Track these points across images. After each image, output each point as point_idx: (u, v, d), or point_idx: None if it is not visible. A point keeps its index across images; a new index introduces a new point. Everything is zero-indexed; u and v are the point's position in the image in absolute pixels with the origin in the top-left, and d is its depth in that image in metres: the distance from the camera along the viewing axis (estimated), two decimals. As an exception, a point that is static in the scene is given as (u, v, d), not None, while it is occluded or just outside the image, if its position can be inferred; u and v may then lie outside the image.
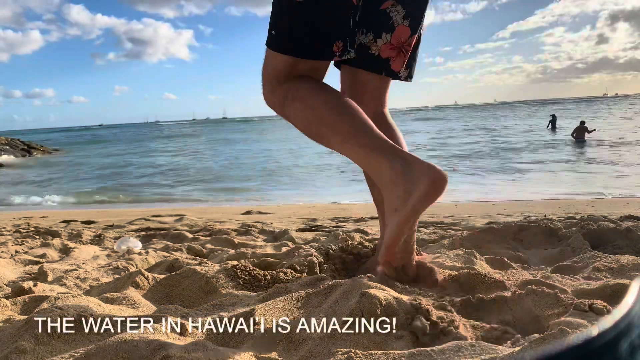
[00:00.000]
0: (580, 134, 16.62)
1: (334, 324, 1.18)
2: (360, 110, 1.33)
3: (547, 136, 19.96)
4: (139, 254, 2.73)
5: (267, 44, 1.41)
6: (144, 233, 3.78)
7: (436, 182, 1.17)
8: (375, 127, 1.29)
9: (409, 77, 1.66)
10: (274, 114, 1.50)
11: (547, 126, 23.11)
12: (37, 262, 2.70)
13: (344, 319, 1.18)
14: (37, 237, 3.62)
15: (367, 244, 2.11)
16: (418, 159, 1.22)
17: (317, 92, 1.36)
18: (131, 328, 1.22)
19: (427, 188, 1.17)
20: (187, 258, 2.57)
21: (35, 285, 1.89)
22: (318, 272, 1.84)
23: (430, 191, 1.17)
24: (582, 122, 17.18)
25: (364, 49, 1.51)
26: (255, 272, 1.75)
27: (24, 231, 4.16)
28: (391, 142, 1.27)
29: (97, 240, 3.54)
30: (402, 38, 1.50)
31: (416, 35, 1.53)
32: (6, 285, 2.11)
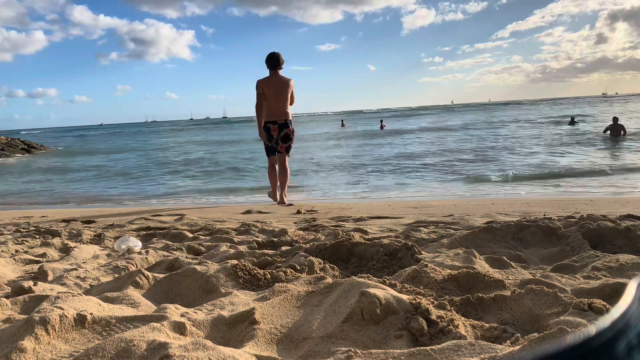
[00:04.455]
0: (615, 132, 14.62)
1: (333, 323, 1.19)
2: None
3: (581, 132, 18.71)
4: (139, 253, 2.73)
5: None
6: (144, 232, 3.78)
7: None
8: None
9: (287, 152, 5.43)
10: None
11: (569, 123, 23.57)
12: (37, 262, 2.70)
13: (344, 318, 1.19)
14: (38, 236, 3.62)
15: (361, 239, 2.12)
16: None
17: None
18: (131, 327, 1.22)
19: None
20: (187, 257, 2.57)
21: (35, 284, 1.89)
22: (318, 271, 1.84)
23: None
24: (615, 119, 15.08)
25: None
26: (255, 271, 1.75)
27: (24, 230, 4.16)
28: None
29: (97, 239, 3.54)
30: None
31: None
32: (6, 285, 2.11)
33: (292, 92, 5.26)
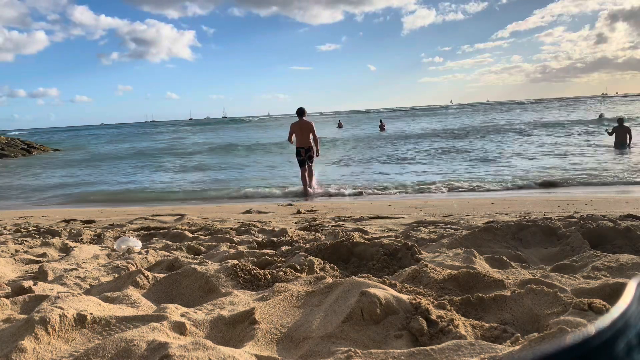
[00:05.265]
0: (621, 135, 12.78)
1: (333, 323, 1.19)
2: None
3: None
4: (139, 253, 2.73)
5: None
6: (144, 232, 3.78)
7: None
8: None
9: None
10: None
11: (599, 117, 24.47)
12: (37, 262, 2.71)
13: (344, 318, 1.19)
14: (38, 236, 3.62)
15: (362, 240, 2.12)
16: None
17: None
18: (131, 327, 1.22)
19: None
20: (187, 257, 2.58)
21: (35, 284, 1.90)
22: (318, 271, 1.84)
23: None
24: (621, 120, 13.17)
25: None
26: (255, 271, 1.75)
27: (24, 230, 4.16)
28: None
29: (97, 239, 3.54)
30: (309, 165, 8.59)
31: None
32: (6, 285, 2.11)
33: (313, 129, 8.43)
